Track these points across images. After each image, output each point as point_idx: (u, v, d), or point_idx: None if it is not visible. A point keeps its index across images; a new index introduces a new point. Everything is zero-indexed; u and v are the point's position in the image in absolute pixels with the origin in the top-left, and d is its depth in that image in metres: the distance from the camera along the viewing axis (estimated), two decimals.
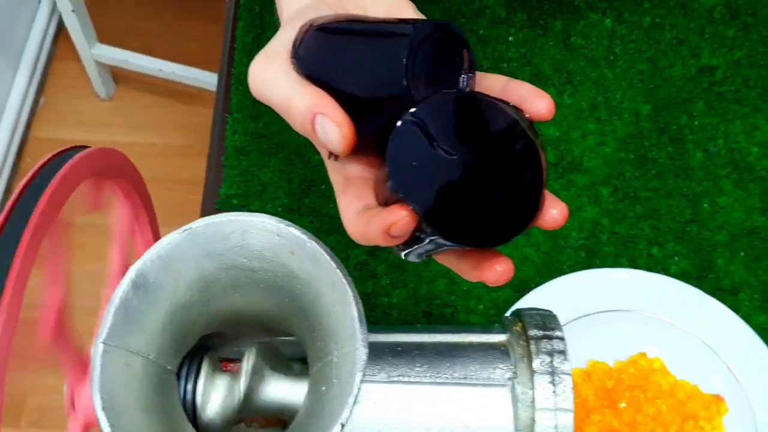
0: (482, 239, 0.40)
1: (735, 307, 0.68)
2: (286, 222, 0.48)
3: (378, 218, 0.41)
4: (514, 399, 0.49)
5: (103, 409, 0.42)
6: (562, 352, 0.49)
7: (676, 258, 0.73)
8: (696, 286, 0.69)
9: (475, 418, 0.49)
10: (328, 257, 0.47)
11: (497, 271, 0.42)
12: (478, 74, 0.44)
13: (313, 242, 0.47)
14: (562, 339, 0.50)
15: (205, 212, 0.75)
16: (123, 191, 0.61)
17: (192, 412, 0.48)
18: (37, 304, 0.52)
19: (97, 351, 0.43)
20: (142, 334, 0.46)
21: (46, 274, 0.52)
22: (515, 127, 0.40)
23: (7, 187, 1.80)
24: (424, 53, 0.40)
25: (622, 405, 0.63)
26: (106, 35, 1.81)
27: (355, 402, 0.43)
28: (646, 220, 0.75)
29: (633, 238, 0.74)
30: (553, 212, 0.41)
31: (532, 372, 0.49)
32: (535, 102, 0.42)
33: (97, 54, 1.80)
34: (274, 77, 0.45)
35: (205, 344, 0.53)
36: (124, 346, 0.45)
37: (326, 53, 0.44)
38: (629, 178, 0.77)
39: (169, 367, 0.49)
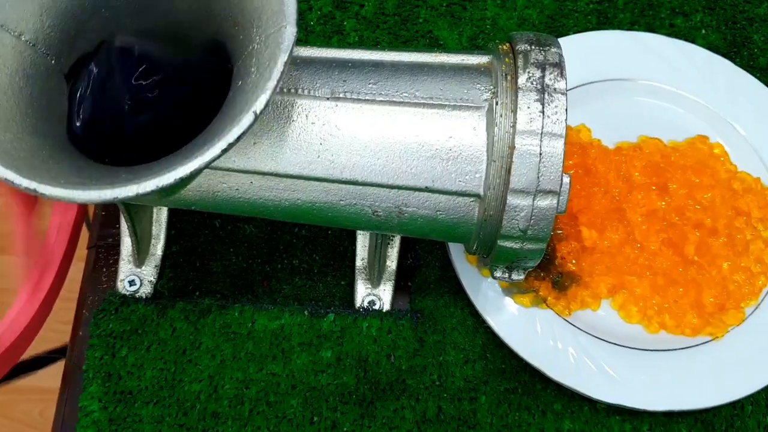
0: None
1: None
2: None
3: None
4: (491, 123, 0.38)
5: None
6: (557, 66, 0.38)
7: (703, 30, 0.61)
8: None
9: (437, 144, 0.39)
10: None
11: None
12: None
13: None
14: (559, 53, 0.39)
15: None
16: None
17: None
18: None
19: None
20: (13, 6, 0.36)
21: None
22: None
23: None
24: None
25: (673, 187, 0.53)
26: None
27: (276, 88, 0.32)
28: None
29: (653, 4, 0.62)
30: None
31: (517, 89, 0.38)
32: None
33: None
34: None
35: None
36: None
37: None
38: None
39: (53, 62, 0.38)
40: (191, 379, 0.50)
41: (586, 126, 0.56)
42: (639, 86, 0.58)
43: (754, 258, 0.53)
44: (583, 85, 0.57)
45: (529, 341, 0.50)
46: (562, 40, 0.57)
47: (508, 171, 0.38)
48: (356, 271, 0.52)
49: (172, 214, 0.53)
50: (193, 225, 0.54)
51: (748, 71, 0.58)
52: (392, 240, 0.52)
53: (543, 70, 0.38)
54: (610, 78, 0.58)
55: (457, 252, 0.52)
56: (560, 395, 0.50)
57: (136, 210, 0.49)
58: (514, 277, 0.43)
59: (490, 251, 0.42)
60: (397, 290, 0.52)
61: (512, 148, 0.38)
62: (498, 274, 0.43)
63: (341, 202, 0.41)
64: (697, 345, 0.51)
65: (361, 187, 0.40)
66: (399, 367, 0.51)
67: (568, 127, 0.55)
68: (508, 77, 0.39)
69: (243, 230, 0.54)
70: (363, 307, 0.51)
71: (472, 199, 0.39)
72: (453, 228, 0.41)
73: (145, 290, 0.52)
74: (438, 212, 0.40)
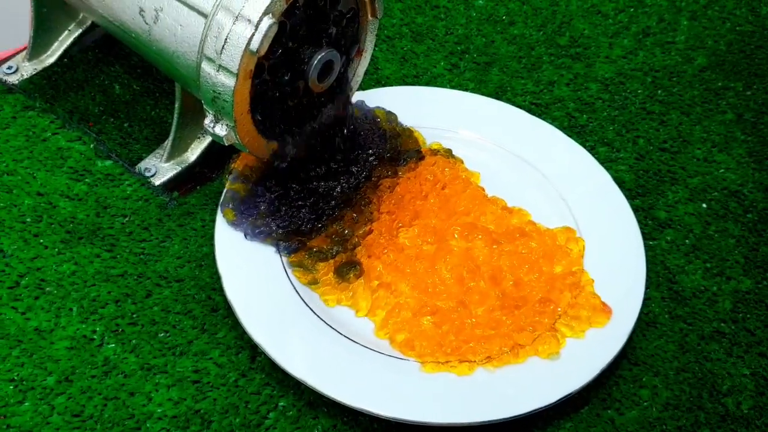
0: None
1: None
2: None
3: None
4: None
5: None
6: None
7: (621, 166, 0.58)
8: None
9: None
10: None
11: None
12: None
13: None
14: None
15: None
16: None
17: None
18: None
19: None
20: None
21: None
22: None
23: None
24: None
25: (503, 244, 0.50)
26: None
27: None
28: None
29: (586, 128, 0.61)
30: None
31: None
32: None
33: None
34: None
35: None
36: None
37: None
38: None
39: None
40: None
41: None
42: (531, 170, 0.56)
43: (532, 329, 0.47)
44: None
45: (249, 291, 0.46)
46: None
47: None
48: (160, 146, 0.55)
49: (87, 49, 0.60)
50: (95, 70, 0.60)
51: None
52: (202, 138, 0.55)
53: None
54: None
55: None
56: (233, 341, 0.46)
57: (48, 11, 0.58)
58: (218, 131, 0.44)
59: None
60: (182, 186, 0.54)
61: None
62: (207, 120, 0.44)
63: None
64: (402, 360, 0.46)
65: None
66: (124, 229, 0.51)
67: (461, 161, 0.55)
68: None
69: (112, 90, 0.59)
70: (139, 169, 0.53)
71: (201, 18, 0.43)
72: (185, 54, 0.44)
73: (14, 79, 0.58)
74: (179, 26, 0.44)
